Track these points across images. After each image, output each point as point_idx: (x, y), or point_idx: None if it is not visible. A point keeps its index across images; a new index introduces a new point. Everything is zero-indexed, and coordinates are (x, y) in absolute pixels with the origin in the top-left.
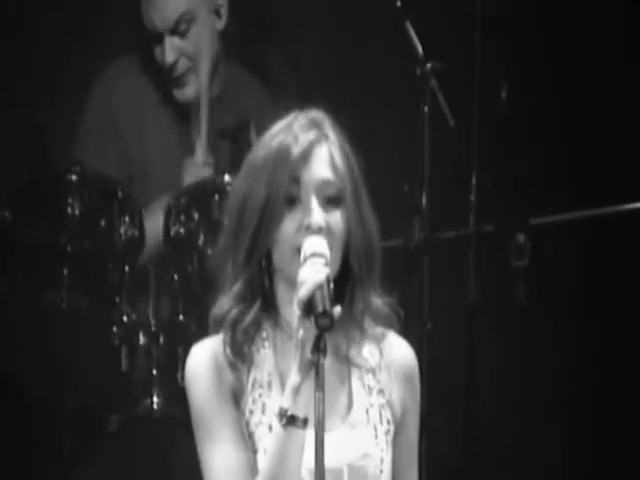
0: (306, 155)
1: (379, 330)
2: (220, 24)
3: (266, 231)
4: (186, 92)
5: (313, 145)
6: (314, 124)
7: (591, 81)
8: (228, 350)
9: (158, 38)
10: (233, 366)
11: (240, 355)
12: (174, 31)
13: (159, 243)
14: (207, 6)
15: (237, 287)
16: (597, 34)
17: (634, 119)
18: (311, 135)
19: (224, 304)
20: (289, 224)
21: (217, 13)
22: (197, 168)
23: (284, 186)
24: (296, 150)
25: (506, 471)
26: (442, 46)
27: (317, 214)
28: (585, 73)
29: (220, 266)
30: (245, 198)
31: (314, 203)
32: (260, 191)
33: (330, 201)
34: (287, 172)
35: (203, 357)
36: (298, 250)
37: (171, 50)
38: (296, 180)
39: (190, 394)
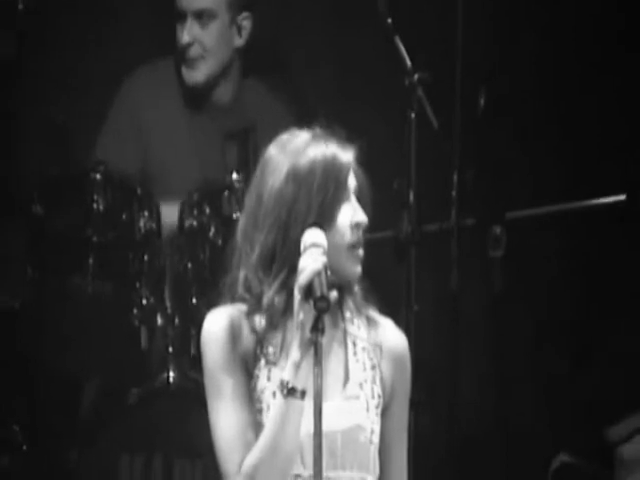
0: (349, 165)
1: (375, 314)
2: (239, 41)
3: (321, 228)
4: (195, 75)
5: (351, 157)
6: (338, 138)
7: (565, 89)
8: (266, 323)
9: (182, 17)
10: (262, 331)
11: (273, 326)
12: (197, 16)
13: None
14: (230, 16)
15: (282, 275)
16: (572, 44)
17: (604, 120)
18: (347, 147)
19: (265, 287)
20: (342, 221)
21: (238, 30)
22: None
23: (339, 190)
24: (344, 160)
25: (488, 448)
26: (427, 57)
27: (362, 213)
28: (559, 81)
29: (256, 265)
30: (293, 200)
31: (358, 206)
32: (313, 194)
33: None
34: (340, 178)
35: (219, 323)
36: (348, 246)
37: (189, 32)
38: (345, 186)
39: (205, 356)
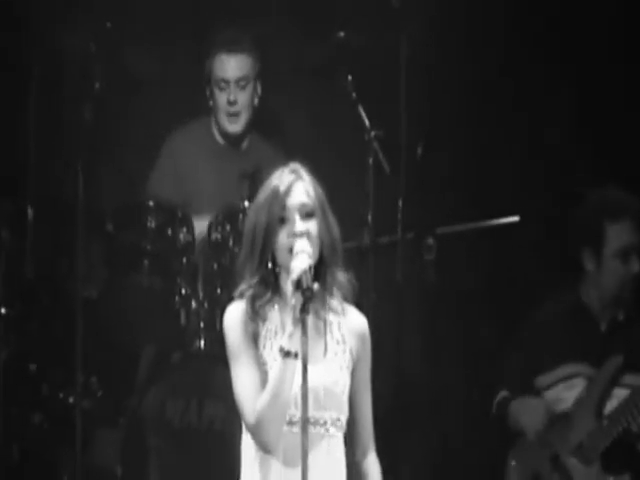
0: (289, 190)
1: (345, 305)
2: (256, 101)
3: (270, 242)
4: (235, 127)
5: (292, 184)
6: (293, 171)
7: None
8: (249, 311)
9: (226, 83)
10: (252, 319)
11: (256, 314)
12: (237, 82)
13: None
14: (254, 82)
15: (255, 279)
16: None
17: (503, 159)
18: (291, 177)
19: (244, 287)
20: (283, 235)
21: (256, 92)
22: None
23: (277, 212)
24: (282, 188)
25: (422, 395)
26: (382, 119)
27: (299, 225)
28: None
29: (241, 269)
30: (254, 225)
31: (297, 218)
32: (263, 218)
33: (307, 216)
34: (278, 203)
35: (235, 312)
36: (290, 250)
37: (234, 93)
38: (284, 207)
39: (226, 335)
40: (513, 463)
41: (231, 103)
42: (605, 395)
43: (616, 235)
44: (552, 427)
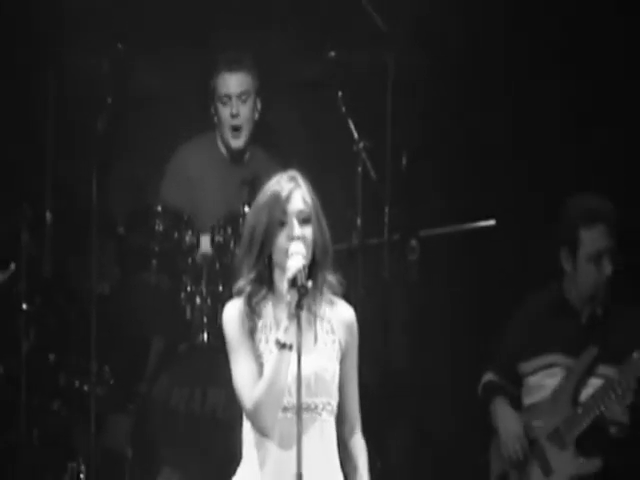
0: (289, 197)
1: (334, 298)
2: (256, 115)
3: (268, 242)
4: (238, 142)
5: (292, 191)
6: (292, 179)
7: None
8: (246, 308)
9: (228, 98)
10: (248, 315)
11: (252, 311)
12: (239, 97)
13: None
14: (254, 97)
15: (251, 275)
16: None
17: (481, 169)
18: (291, 185)
19: (242, 284)
20: (282, 237)
21: (256, 107)
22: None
23: (278, 215)
24: (283, 194)
25: (406, 392)
26: (369, 131)
27: (297, 229)
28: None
29: (239, 265)
30: (254, 225)
31: (295, 223)
32: (263, 219)
33: (303, 221)
34: (279, 207)
35: (233, 309)
36: (287, 252)
37: (236, 106)
38: (284, 212)
39: (225, 331)
40: (496, 442)
41: (234, 116)
42: (581, 384)
43: (589, 240)
44: (531, 413)
